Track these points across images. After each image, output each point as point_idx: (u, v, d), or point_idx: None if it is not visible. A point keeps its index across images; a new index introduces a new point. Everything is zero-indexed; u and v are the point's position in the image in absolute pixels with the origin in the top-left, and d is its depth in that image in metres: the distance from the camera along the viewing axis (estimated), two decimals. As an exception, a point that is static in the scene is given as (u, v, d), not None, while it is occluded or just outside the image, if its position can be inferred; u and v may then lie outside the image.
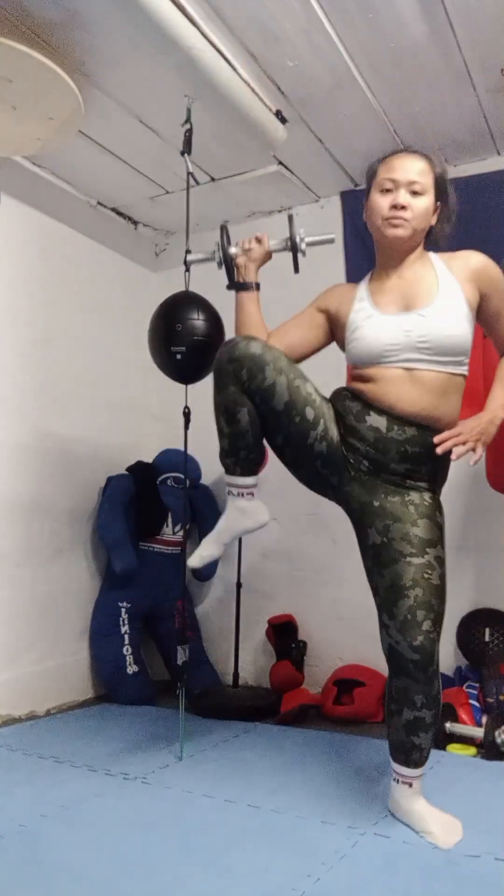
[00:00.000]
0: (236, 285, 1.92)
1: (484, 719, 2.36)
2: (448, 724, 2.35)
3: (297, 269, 1.94)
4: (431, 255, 1.84)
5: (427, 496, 1.78)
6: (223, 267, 1.95)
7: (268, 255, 1.95)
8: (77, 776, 2.06)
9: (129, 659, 2.99)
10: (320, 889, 1.43)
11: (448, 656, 2.87)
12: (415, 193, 1.75)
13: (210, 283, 2.85)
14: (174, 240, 3.69)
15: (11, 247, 2.87)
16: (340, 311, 1.88)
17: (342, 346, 1.90)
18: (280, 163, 2.99)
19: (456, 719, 2.40)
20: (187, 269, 2.18)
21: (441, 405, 1.75)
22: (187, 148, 2.52)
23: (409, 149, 1.85)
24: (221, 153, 2.88)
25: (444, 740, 2.33)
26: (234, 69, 2.33)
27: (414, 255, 1.81)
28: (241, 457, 1.80)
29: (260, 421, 1.76)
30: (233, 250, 1.93)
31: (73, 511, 3.09)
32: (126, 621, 3.05)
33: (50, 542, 2.96)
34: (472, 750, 2.29)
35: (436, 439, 1.70)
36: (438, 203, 1.82)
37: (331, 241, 1.96)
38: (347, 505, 1.83)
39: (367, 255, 2.81)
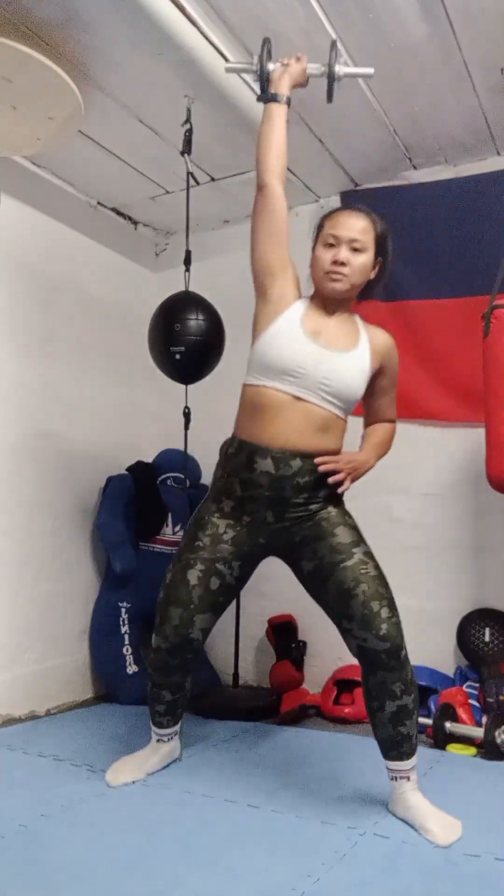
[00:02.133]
0: (268, 96, 1.94)
1: (484, 719, 2.36)
2: (448, 724, 2.35)
3: (330, 99, 1.99)
4: (356, 317, 1.97)
5: (332, 509, 1.89)
6: (259, 79, 1.96)
7: (304, 76, 1.98)
8: (77, 776, 2.06)
9: (129, 659, 2.99)
10: (320, 889, 1.43)
11: (448, 656, 2.88)
12: (355, 251, 1.85)
13: (210, 283, 2.87)
14: (174, 240, 3.69)
15: (11, 247, 2.86)
16: (285, 294, 1.88)
17: (261, 293, 1.90)
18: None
19: (456, 719, 2.40)
20: (227, 73, 2.13)
21: (320, 438, 1.84)
22: (187, 148, 2.52)
23: (353, 207, 1.94)
24: (221, 153, 2.88)
25: (444, 740, 2.33)
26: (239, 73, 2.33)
27: (345, 308, 1.93)
28: (177, 714, 2.07)
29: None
30: (271, 66, 1.95)
31: (73, 511, 3.09)
32: (126, 621, 3.05)
33: (50, 542, 2.96)
34: (472, 750, 2.29)
35: (317, 460, 1.82)
36: (379, 258, 1.91)
37: (370, 75, 2.00)
38: (280, 555, 1.95)
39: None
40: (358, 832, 1.69)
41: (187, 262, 2.60)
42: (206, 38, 2.18)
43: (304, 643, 3.10)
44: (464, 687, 2.62)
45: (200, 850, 1.60)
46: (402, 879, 1.48)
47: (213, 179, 3.12)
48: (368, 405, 2.04)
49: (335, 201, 3.19)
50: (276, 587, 3.23)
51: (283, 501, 1.84)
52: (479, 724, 2.38)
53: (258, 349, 1.88)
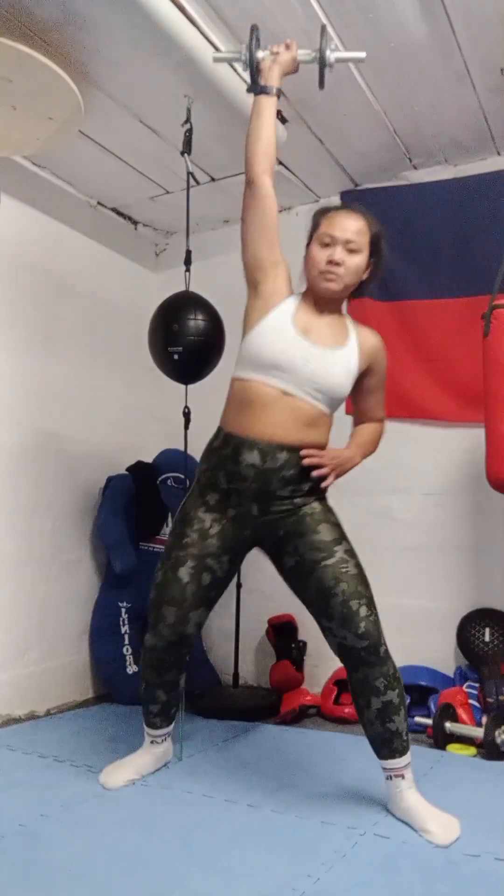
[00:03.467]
0: (257, 88, 1.92)
1: (484, 719, 2.36)
2: (448, 724, 2.35)
3: (322, 85, 1.96)
4: (347, 316, 1.98)
5: (315, 504, 1.89)
6: (248, 68, 1.93)
7: (294, 64, 1.96)
8: (77, 776, 2.06)
9: (129, 659, 2.99)
10: (320, 889, 1.43)
11: (448, 656, 2.87)
12: (350, 251, 1.85)
13: (210, 283, 2.86)
14: (174, 240, 3.69)
15: (11, 247, 2.86)
16: (277, 290, 1.89)
17: (252, 288, 1.90)
18: (280, 163, 2.99)
19: (456, 719, 2.40)
20: (215, 62, 2.09)
21: (306, 433, 1.85)
22: (187, 148, 2.52)
23: (349, 207, 1.95)
24: (221, 153, 2.88)
25: (444, 740, 2.34)
26: (234, 69, 2.33)
27: (335, 306, 1.94)
28: (171, 714, 2.07)
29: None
30: (260, 54, 1.92)
31: (73, 511, 3.09)
32: (126, 621, 3.05)
33: (50, 542, 2.96)
34: (472, 750, 2.29)
35: (302, 452, 1.83)
36: (373, 259, 1.91)
37: (361, 59, 1.95)
38: (263, 548, 1.96)
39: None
40: (358, 832, 1.69)
41: (187, 262, 2.60)
42: (206, 38, 2.18)
43: (304, 643, 3.10)
44: (464, 687, 2.62)
45: (200, 850, 1.60)
46: (402, 879, 1.48)
47: (213, 179, 3.12)
48: (357, 404, 2.05)
49: (335, 201, 3.18)
50: (276, 587, 3.22)
51: (268, 495, 1.85)
52: (479, 724, 2.38)
53: (248, 344, 1.89)
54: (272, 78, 1.90)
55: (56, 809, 1.81)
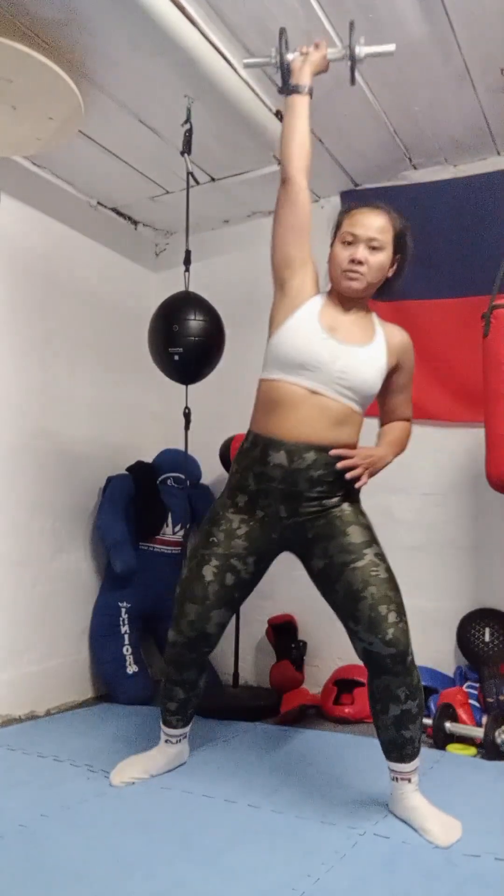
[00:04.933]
0: (289, 88, 1.92)
1: (484, 719, 2.36)
2: (448, 724, 2.35)
3: (353, 81, 1.96)
4: (373, 314, 1.97)
5: (346, 506, 1.87)
6: (279, 70, 1.94)
7: (325, 62, 1.96)
8: (77, 776, 2.06)
9: (129, 659, 2.99)
10: (320, 889, 1.43)
11: (448, 656, 2.87)
12: (373, 249, 1.84)
13: (210, 283, 2.86)
14: (174, 240, 3.69)
15: (11, 247, 2.86)
16: (304, 287, 1.88)
17: (279, 286, 1.90)
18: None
19: (456, 719, 2.40)
20: (246, 69, 2.10)
21: (336, 432, 1.83)
22: (187, 148, 2.52)
23: (371, 204, 1.90)
24: (221, 153, 2.88)
25: (444, 740, 2.33)
26: (234, 69, 2.33)
27: (361, 304, 1.93)
28: (188, 714, 2.06)
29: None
30: (290, 56, 1.93)
31: (73, 511, 3.09)
32: (126, 621, 3.05)
33: (50, 542, 2.96)
34: (472, 750, 2.29)
35: (332, 452, 1.81)
36: (397, 256, 1.90)
37: (391, 53, 1.93)
38: (293, 550, 1.94)
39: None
40: (358, 832, 1.69)
41: (187, 262, 2.60)
42: (206, 38, 2.18)
43: (304, 643, 3.10)
44: (464, 687, 2.62)
45: (200, 850, 1.59)
46: (402, 879, 1.48)
47: (213, 179, 3.12)
48: (384, 403, 2.02)
49: (335, 201, 3.19)
50: (276, 587, 3.23)
51: (296, 495, 1.82)
52: (479, 724, 2.38)
53: (275, 343, 1.87)
54: (304, 77, 1.91)
55: (56, 809, 1.81)
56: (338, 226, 1.90)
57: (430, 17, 2.15)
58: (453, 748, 2.31)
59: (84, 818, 1.77)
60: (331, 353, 1.81)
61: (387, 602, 1.74)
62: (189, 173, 2.69)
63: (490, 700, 2.50)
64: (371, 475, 1.86)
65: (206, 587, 1.88)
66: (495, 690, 2.51)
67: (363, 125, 2.71)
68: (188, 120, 2.49)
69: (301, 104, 1.89)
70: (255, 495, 1.87)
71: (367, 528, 1.86)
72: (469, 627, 2.81)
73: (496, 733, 2.23)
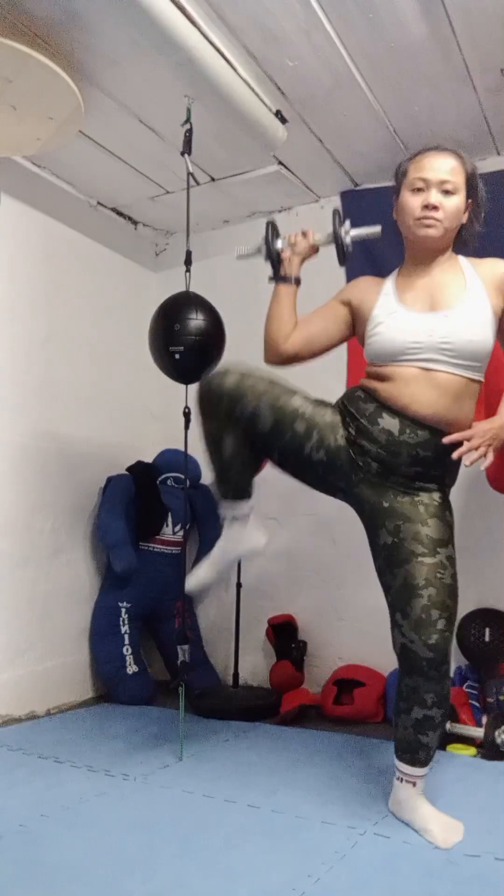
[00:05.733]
0: (279, 278, 1.94)
1: (484, 719, 2.36)
2: (448, 724, 2.35)
3: (342, 262, 1.95)
4: (461, 258, 1.85)
5: (436, 496, 1.78)
6: (269, 261, 1.97)
7: (313, 249, 1.96)
8: (77, 776, 2.06)
9: (129, 659, 2.99)
10: (320, 889, 1.43)
11: (448, 656, 2.87)
12: (446, 193, 1.74)
13: (210, 283, 2.86)
14: (174, 240, 3.69)
15: (11, 247, 2.87)
16: (363, 305, 1.87)
17: (362, 341, 1.89)
18: (280, 163, 2.99)
19: (456, 719, 2.40)
20: (238, 260, 2.11)
21: (454, 409, 1.74)
22: (187, 148, 2.51)
23: (439, 147, 1.80)
24: (221, 153, 2.88)
25: (444, 740, 2.33)
26: (234, 69, 2.33)
27: (444, 256, 1.81)
28: (231, 483, 1.87)
29: (250, 446, 1.82)
30: (279, 245, 1.96)
31: (73, 511, 3.09)
32: (126, 621, 3.05)
33: (50, 542, 2.96)
34: (472, 750, 2.29)
35: (446, 440, 1.70)
36: (469, 200, 1.80)
37: (377, 234, 1.93)
38: (358, 506, 1.84)
39: (367, 255, 2.82)
40: (358, 832, 1.68)
41: (187, 262, 2.60)
42: (206, 38, 2.18)
43: (304, 643, 3.10)
44: (464, 687, 2.62)
45: (200, 850, 1.59)
46: (402, 879, 1.48)
47: (213, 179, 3.12)
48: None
49: (335, 201, 3.19)
50: (276, 587, 3.24)
51: (392, 466, 1.74)
52: (479, 724, 2.38)
53: (368, 346, 1.82)
54: (293, 268, 1.93)
55: (56, 809, 1.81)
56: (403, 174, 1.80)
57: (430, 17, 2.15)
58: (453, 748, 2.31)
59: (84, 818, 1.77)
60: (425, 329, 1.72)
61: (441, 608, 1.66)
62: (189, 173, 2.69)
63: (490, 700, 2.50)
64: (496, 449, 1.71)
65: (292, 403, 1.77)
66: (495, 690, 2.50)
67: (363, 125, 2.71)
68: (188, 120, 2.49)
69: (287, 293, 1.91)
70: (349, 440, 1.77)
71: (449, 526, 1.78)
72: (469, 627, 2.80)
73: (496, 733, 2.23)
